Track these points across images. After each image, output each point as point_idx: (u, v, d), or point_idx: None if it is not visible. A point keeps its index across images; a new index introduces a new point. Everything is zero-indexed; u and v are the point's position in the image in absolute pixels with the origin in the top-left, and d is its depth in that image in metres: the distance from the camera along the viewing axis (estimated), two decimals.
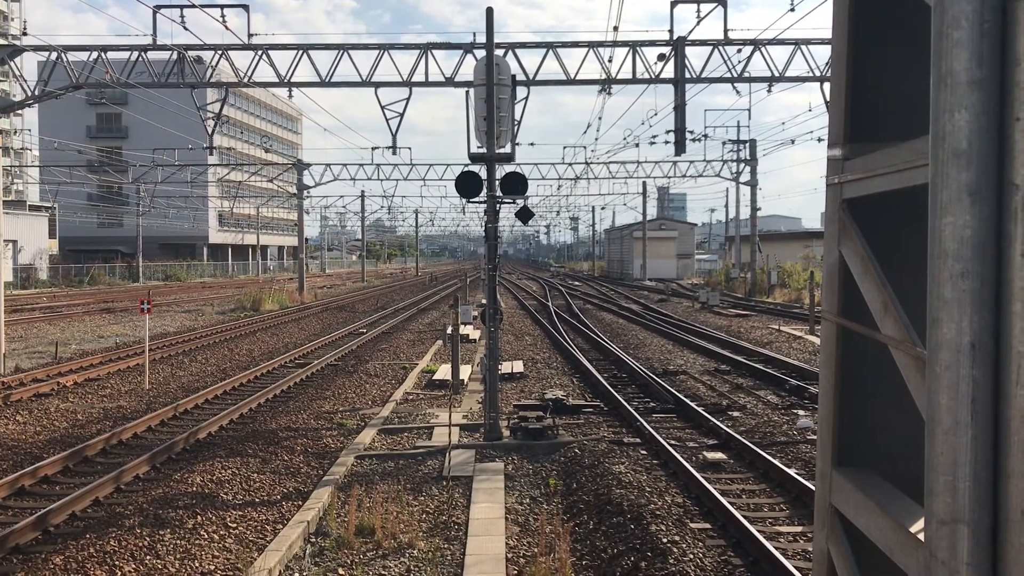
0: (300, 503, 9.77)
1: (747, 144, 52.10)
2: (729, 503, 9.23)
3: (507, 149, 13.39)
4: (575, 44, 24.61)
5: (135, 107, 66.47)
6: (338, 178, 55.87)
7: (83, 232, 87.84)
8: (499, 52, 19.87)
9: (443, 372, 18.76)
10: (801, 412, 14.88)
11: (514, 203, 14.19)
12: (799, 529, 8.88)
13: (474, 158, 13.33)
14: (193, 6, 21.34)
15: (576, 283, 73.58)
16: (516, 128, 15.29)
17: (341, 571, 7.78)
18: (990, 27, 1.92)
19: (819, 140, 40.74)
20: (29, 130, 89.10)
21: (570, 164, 57.35)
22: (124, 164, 71.69)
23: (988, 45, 1.92)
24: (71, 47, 24.50)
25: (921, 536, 2.16)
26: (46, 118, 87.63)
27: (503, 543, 8.57)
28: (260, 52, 24.22)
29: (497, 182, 13.12)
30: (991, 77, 1.93)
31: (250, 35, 24.13)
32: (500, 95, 12.98)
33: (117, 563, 7.75)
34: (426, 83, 24.01)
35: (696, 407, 14.83)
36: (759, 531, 8.32)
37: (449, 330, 18.86)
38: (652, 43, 23.91)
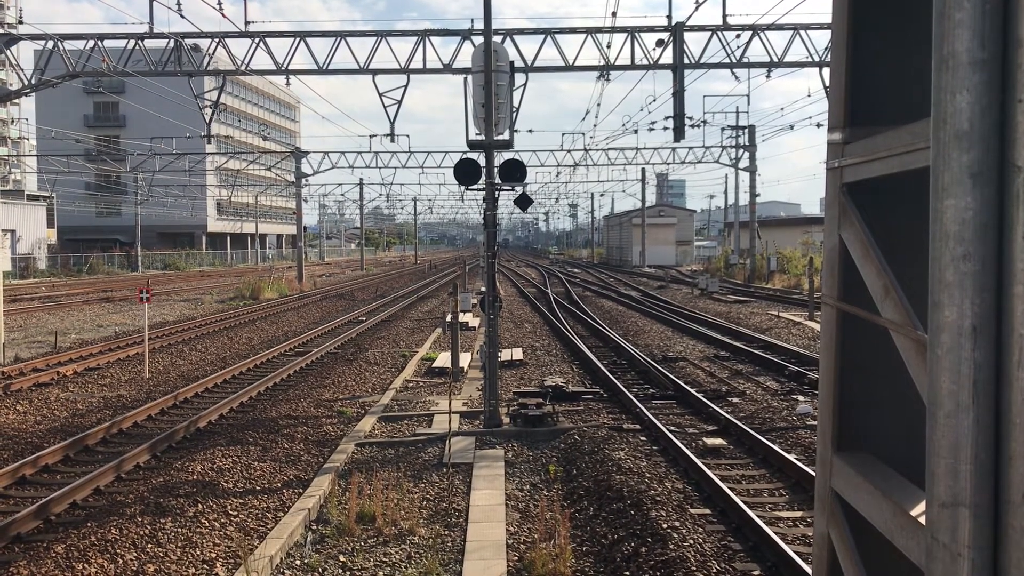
0: (301, 491, 9.79)
1: (746, 130, 51.99)
2: (729, 488, 9.25)
3: (505, 136, 13.36)
4: (573, 30, 24.54)
5: (132, 96, 66.29)
6: (336, 166, 55.88)
7: (81, 221, 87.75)
8: (497, 39, 19.81)
9: (443, 360, 18.78)
10: (801, 398, 14.90)
11: (513, 190, 14.18)
12: (799, 514, 8.90)
13: (472, 145, 13.30)
14: None
15: (575, 270, 73.59)
16: (514, 115, 15.25)
17: (342, 558, 7.80)
18: (992, 7, 1.91)
19: (818, 126, 40.68)
20: (26, 119, 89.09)
21: (569, 151, 57.30)
22: (122, 153, 71.61)
23: (990, 25, 1.91)
24: (68, 36, 24.42)
25: (922, 519, 2.16)
26: (43, 107, 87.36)
27: (503, 529, 8.59)
28: (257, 40, 24.14)
29: (496, 169, 13.10)
30: (993, 58, 1.91)
31: (247, 22, 24.07)
32: (498, 82, 12.94)
33: (118, 551, 7.77)
34: (424, 70, 23.96)
35: (696, 393, 14.84)
36: (759, 516, 8.34)
37: (448, 318, 18.87)
38: (650, 29, 23.85)
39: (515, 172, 13.28)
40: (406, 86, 24.62)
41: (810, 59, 24.39)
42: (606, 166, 62.49)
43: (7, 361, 19.95)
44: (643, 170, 73.94)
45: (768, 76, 25.80)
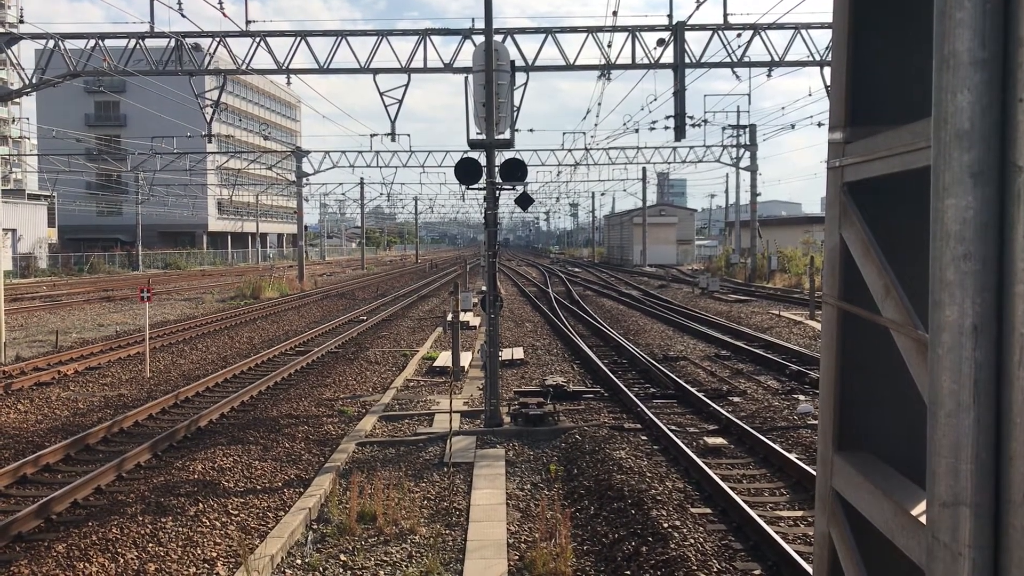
0: (302, 490, 9.79)
1: (747, 129, 51.98)
2: (729, 488, 9.26)
3: (506, 135, 13.35)
4: (574, 30, 24.52)
5: (133, 95, 66.29)
6: (337, 165, 55.87)
7: (82, 221, 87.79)
8: (498, 38, 19.81)
9: (443, 359, 18.77)
10: (801, 397, 14.90)
11: (513, 189, 14.17)
12: (800, 513, 8.90)
13: (473, 144, 13.29)
14: None
15: (576, 269, 73.59)
16: (515, 114, 15.24)
17: (343, 557, 7.81)
18: (993, 7, 1.91)
19: (819, 125, 40.69)
20: (27, 119, 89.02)
21: (569, 150, 57.34)
22: (123, 152, 71.55)
23: (991, 25, 1.91)
24: (68, 35, 24.42)
25: (923, 519, 2.16)
26: (44, 106, 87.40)
27: (504, 529, 8.59)
28: (258, 39, 24.14)
29: (496, 168, 13.10)
30: (994, 57, 1.91)
31: (248, 22, 24.06)
32: (499, 81, 12.94)
33: (119, 550, 7.77)
34: (425, 69, 23.96)
35: (696, 392, 14.84)
36: (759, 515, 8.34)
37: (449, 317, 18.87)
38: (651, 28, 23.84)
39: (516, 171, 13.27)
40: (407, 85, 24.62)
41: (811, 58, 24.38)
42: (607, 165, 62.53)
43: (8, 360, 19.96)
44: (644, 169, 73.98)
45: (769, 75, 25.81)
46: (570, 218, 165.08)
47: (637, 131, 44.31)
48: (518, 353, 20.02)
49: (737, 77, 26.05)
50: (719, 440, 11.83)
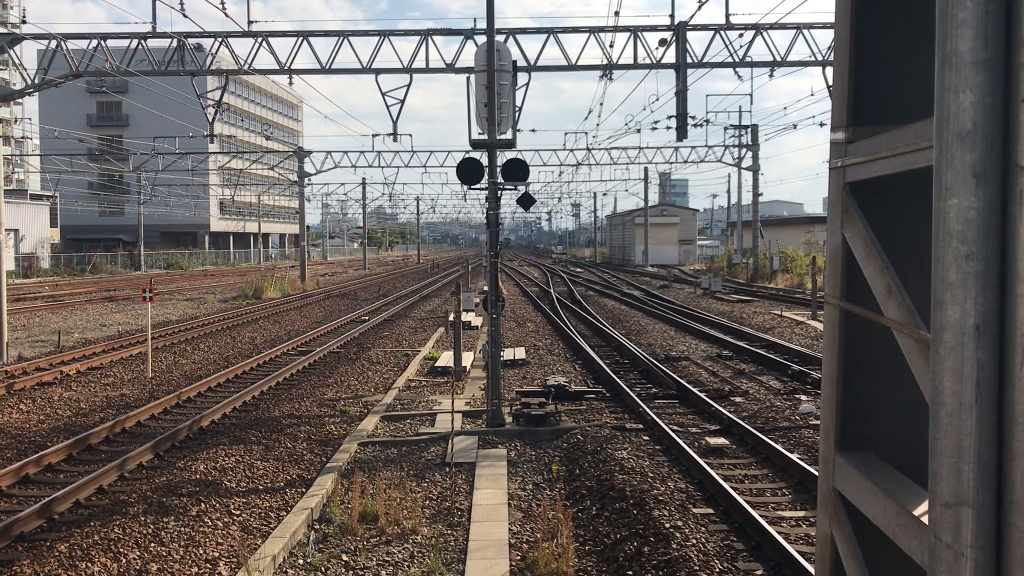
0: (303, 490, 9.80)
1: (749, 129, 51.94)
2: (731, 488, 9.25)
3: (508, 135, 13.35)
4: (576, 30, 24.52)
5: (135, 95, 66.37)
6: (339, 165, 55.90)
7: (84, 221, 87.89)
8: (499, 38, 19.81)
9: (445, 359, 18.78)
10: (803, 397, 14.89)
11: (515, 189, 14.16)
12: (801, 514, 8.89)
13: (475, 144, 13.30)
14: None
15: (578, 269, 73.60)
16: (517, 114, 15.24)
17: (345, 557, 7.81)
18: (995, 6, 1.90)
19: (821, 125, 40.73)
20: (29, 119, 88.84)
21: (571, 150, 57.28)
22: (125, 152, 71.65)
23: (993, 24, 1.90)
24: (71, 35, 24.46)
25: (925, 519, 2.16)
26: (46, 107, 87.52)
27: (506, 529, 8.59)
28: (260, 39, 24.16)
29: (498, 168, 13.10)
30: (996, 57, 1.91)
31: (250, 22, 24.08)
32: (501, 81, 12.94)
33: (121, 550, 7.78)
34: (426, 69, 23.97)
35: (698, 393, 14.83)
36: (761, 516, 8.34)
37: (451, 317, 18.87)
38: (653, 28, 23.84)
39: (518, 171, 13.27)
40: (409, 85, 24.64)
41: (813, 58, 24.37)
42: (609, 165, 62.56)
43: (10, 360, 19.98)
44: (646, 169, 74.01)
45: (771, 75, 25.80)
46: (572, 218, 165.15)
47: (639, 131, 44.32)
48: (520, 353, 20.03)
49: (739, 77, 26.03)
50: (721, 440, 11.82)
